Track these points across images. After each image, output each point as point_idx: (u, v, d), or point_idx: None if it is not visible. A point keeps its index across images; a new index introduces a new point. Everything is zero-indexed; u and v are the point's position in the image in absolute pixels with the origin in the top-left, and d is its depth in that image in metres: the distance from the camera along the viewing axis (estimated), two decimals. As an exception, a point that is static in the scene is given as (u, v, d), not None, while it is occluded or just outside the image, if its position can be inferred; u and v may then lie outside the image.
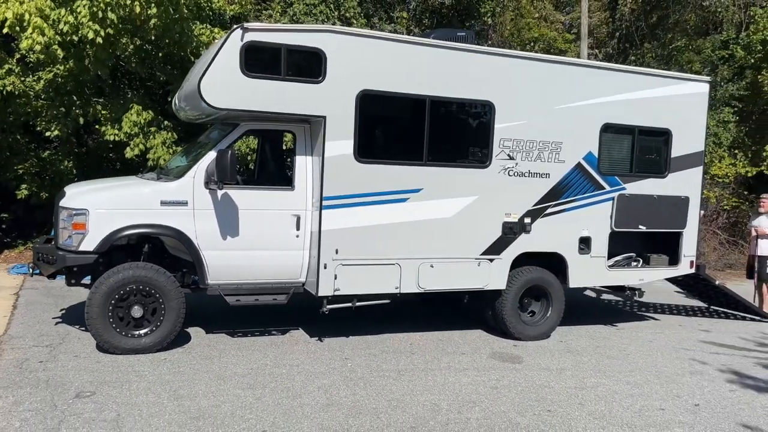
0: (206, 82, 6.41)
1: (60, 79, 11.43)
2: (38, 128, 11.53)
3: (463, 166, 7.65)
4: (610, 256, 8.57)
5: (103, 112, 11.45)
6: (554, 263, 8.26)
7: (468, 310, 8.76)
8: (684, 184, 8.93)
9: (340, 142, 6.98)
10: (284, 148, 8.75)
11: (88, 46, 10.47)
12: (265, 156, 7.94)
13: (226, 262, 6.91)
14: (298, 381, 6.13)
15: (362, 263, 7.23)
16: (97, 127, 11.59)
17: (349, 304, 7.31)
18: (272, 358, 6.79)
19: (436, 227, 7.52)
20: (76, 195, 6.67)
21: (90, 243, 6.48)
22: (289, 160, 8.57)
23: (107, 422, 4.94)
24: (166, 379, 5.97)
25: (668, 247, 9.06)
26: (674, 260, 9.05)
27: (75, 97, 11.61)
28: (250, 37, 6.51)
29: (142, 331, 6.65)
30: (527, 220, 7.96)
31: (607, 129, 8.34)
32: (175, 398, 5.52)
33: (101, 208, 6.51)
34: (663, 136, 8.74)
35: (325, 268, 7.03)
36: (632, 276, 8.85)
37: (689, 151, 8.93)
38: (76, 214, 6.47)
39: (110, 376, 5.98)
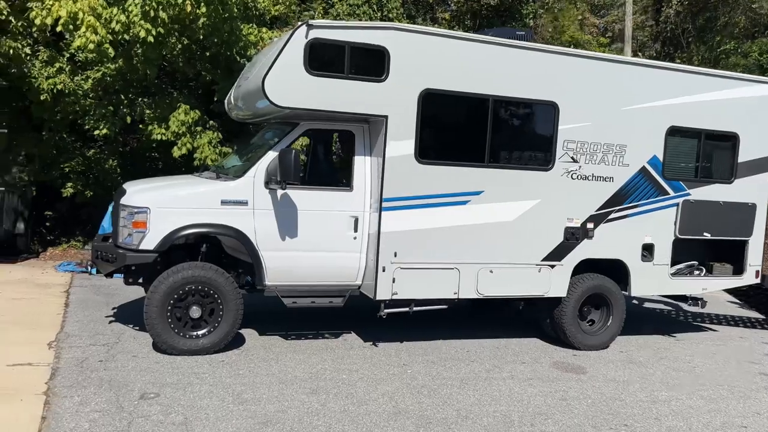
0: (270, 80, 6.28)
1: (109, 78, 11.46)
2: (86, 127, 11.55)
3: (525, 169, 7.42)
4: (672, 264, 8.26)
5: (147, 111, 11.44)
6: (616, 270, 7.98)
7: (522, 317, 8.50)
8: (751, 190, 8.58)
9: (402, 143, 6.81)
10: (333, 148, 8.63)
11: (138, 45, 10.46)
12: (323, 156, 7.79)
13: (284, 263, 6.78)
14: (361, 387, 5.96)
15: (421, 267, 7.05)
16: (141, 126, 11.56)
17: (406, 309, 7.12)
18: (330, 362, 6.63)
19: (496, 231, 7.30)
20: (137, 193, 6.59)
21: (150, 242, 6.39)
22: (339, 159, 8.45)
23: (176, 425, 4.82)
24: (227, 382, 5.83)
25: (732, 255, 8.71)
26: (739, 269, 8.70)
27: (123, 96, 11.61)
28: (315, 34, 6.37)
29: (200, 332, 6.54)
30: (590, 226, 7.70)
31: (673, 132, 8.04)
32: (240, 402, 5.38)
33: (162, 207, 6.42)
34: (730, 140, 8.41)
35: (383, 270, 6.86)
36: (695, 285, 8.52)
37: (757, 156, 8.58)
38: (137, 212, 6.38)
39: (171, 377, 5.87)
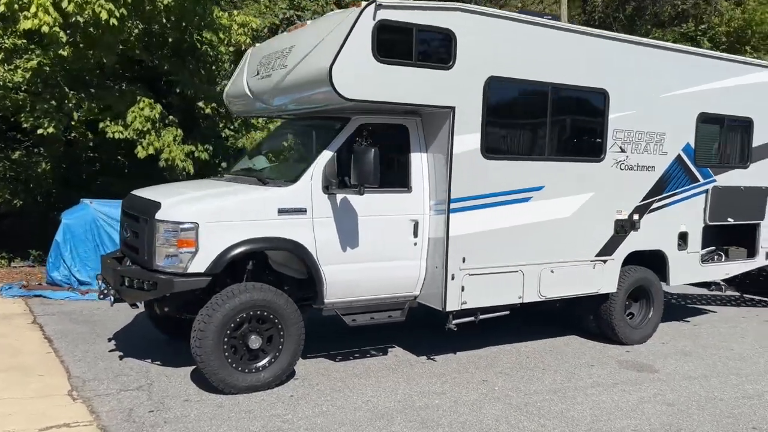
0: (338, 69, 5.41)
1: (47, 69, 9.86)
2: (25, 125, 9.89)
3: (580, 161, 7.04)
4: (696, 251, 8.22)
5: (93, 105, 9.96)
6: (655, 261, 7.81)
7: (554, 315, 8.16)
8: (763, 174, 8.73)
9: (468, 137, 6.17)
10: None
11: (92, 29, 9.03)
12: (386, 154, 6.85)
13: (345, 277, 5.96)
14: (466, 413, 5.31)
15: (489, 272, 6.48)
16: (102, 124, 10.02)
17: (472, 318, 6.53)
18: (405, 384, 5.92)
19: (556, 228, 6.87)
20: (178, 205, 5.50)
21: (201, 263, 5.36)
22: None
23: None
24: (322, 425, 4.98)
25: (744, 239, 8.83)
26: (752, 252, 8.85)
27: (68, 89, 10.04)
28: (383, 15, 5.58)
29: (260, 364, 5.60)
30: (635, 217, 7.46)
31: (703, 119, 7.96)
32: (357, 449, 4.58)
33: (213, 221, 5.39)
34: (747, 125, 8.49)
35: (452, 279, 6.22)
36: (720, 271, 8.57)
37: (762, 141, 8.73)
38: (183, 229, 5.31)
39: (252, 424, 4.92)
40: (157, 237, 5.39)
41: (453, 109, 6.03)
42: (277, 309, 5.60)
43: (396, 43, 5.71)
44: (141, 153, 9.73)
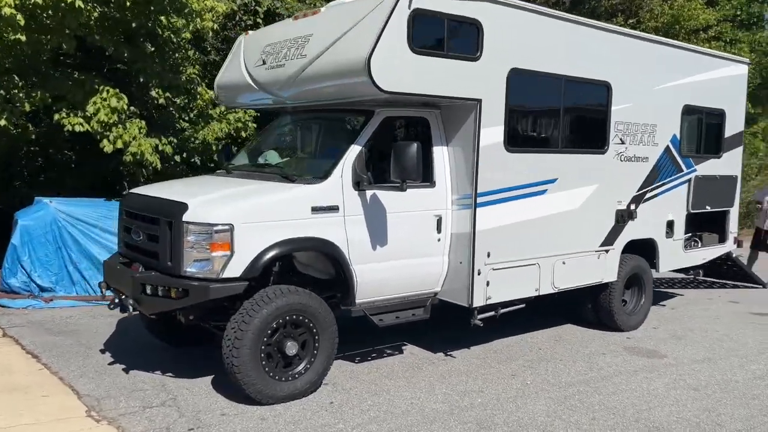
0: (377, 60, 5.16)
1: (-4, 55, 8.93)
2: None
3: (588, 152, 7.13)
4: (677, 238, 8.54)
5: (46, 95, 9.13)
6: (647, 249, 8.04)
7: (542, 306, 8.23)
8: (732, 163, 9.20)
9: (493, 129, 6.09)
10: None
11: (51, 11, 8.26)
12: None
13: (375, 277, 5.75)
14: (513, 410, 5.25)
15: (510, 266, 6.45)
16: (59, 117, 9.16)
17: (493, 313, 6.47)
18: (441, 384, 5.80)
19: (567, 220, 6.93)
20: (209, 205, 5.08)
21: (237, 267, 4.99)
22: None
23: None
24: (375, 431, 4.77)
25: (714, 225, 9.27)
26: (722, 238, 9.31)
27: (17, 78, 9.15)
28: (418, 3, 5.37)
29: (296, 371, 5.31)
30: (632, 207, 7.65)
31: (686, 111, 8.26)
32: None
33: (249, 221, 5.03)
34: (720, 116, 8.89)
35: (479, 274, 6.14)
36: (699, 256, 8.96)
37: (736, 131, 9.19)
38: (218, 231, 4.92)
39: (308, 437, 4.65)
40: (186, 240, 4.97)
41: (480, 101, 5.92)
42: (312, 312, 5.32)
43: (429, 33, 5.53)
44: (108, 147, 9.00)
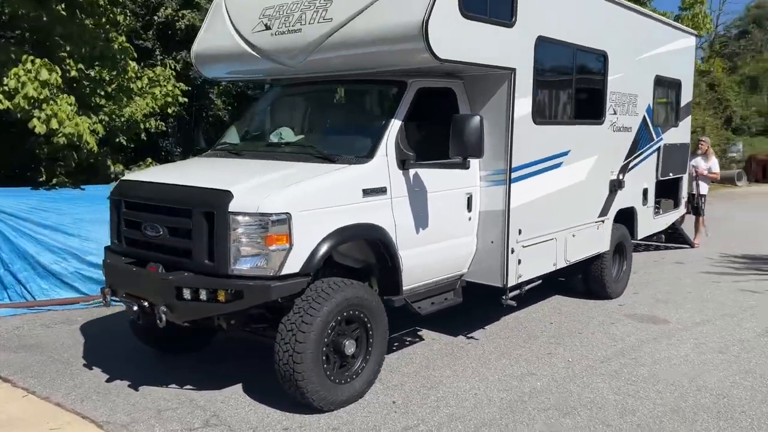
0: (434, 23, 4.68)
1: None
2: None
3: (590, 123, 7.07)
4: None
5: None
6: (627, 218, 8.21)
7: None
8: (685, 132, 9.63)
9: (523, 101, 5.83)
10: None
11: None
12: (434, 122, 6.07)
13: (417, 262, 5.33)
14: (578, 391, 5.11)
15: (536, 242, 6.28)
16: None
17: (518, 292, 6.28)
18: (486, 371, 5.53)
19: (576, 192, 6.88)
20: (258, 192, 4.37)
21: (295, 261, 4.37)
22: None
23: None
24: (466, 427, 4.42)
25: (669, 192, 9.68)
26: (677, 204, 9.77)
27: None
28: (464, -37, 4.93)
29: (352, 371, 4.81)
30: (621, 177, 7.75)
31: (657, 81, 8.48)
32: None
33: (305, 209, 4.41)
34: (678, 87, 9.24)
35: (512, 252, 5.90)
36: (663, 221, 9.34)
37: (687, 101, 9.61)
38: (274, 221, 4.26)
39: (399, 444, 4.20)
40: (236, 234, 4.27)
41: (513, 71, 5.61)
42: (368, 306, 4.83)
43: (474, -3, 5.11)
44: (39, 128, 7.72)
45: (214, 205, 4.32)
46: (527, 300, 7.38)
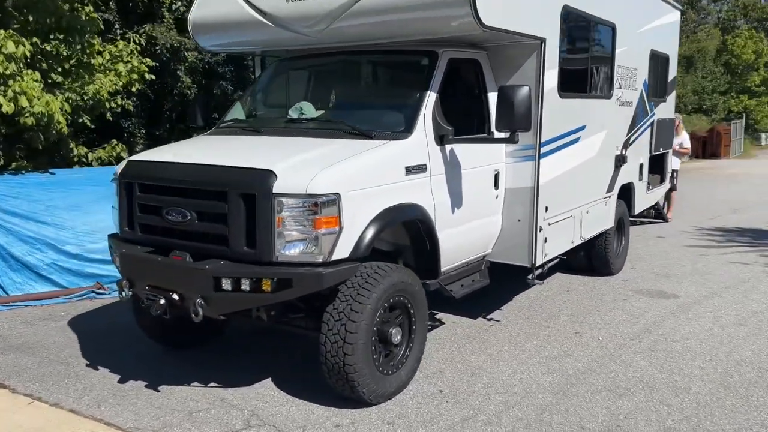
0: (482, -10, 4.37)
1: None
2: None
3: (602, 97, 6.93)
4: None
5: None
6: (626, 194, 8.17)
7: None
8: (671, 106, 9.67)
9: (551, 72, 5.62)
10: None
11: None
12: (460, 95, 5.54)
13: (452, 243, 5.06)
14: (621, 371, 4.98)
15: (559, 219, 6.12)
16: None
17: (540, 270, 6.10)
18: (520, 353, 5.34)
19: (590, 167, 6.76)
20: (304, 171, 3.97)
21: (346, 246, 4.03)
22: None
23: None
24: (526, 414, 4.21)
25: (656, 167, 9.73)
26: (663, 178, 9.84)
27: None
28: (508, -77, 4.63)
29: (397, 360, 4.53)
30: (624, 152, 7.68)
31: (651, 55, 8.43)
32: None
33: (354, 188, 4.06)
34: (667, 61, 9.24)
35: (540, 230, 5.72)
36: (653, 196, 9.39)
37: (673, 76, 9.65)
38: (323, 203, 3.89)
39: (465, 437, 3.96)
40: (281, 217, 3.88)
41: (544, 41, 5.37)
42: (411, 292, 4.53)
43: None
44: (6, 107, 6.99)
45: (255, 186, 3.91)
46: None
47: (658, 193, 9.64)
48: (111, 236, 4.89)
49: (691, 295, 7.07)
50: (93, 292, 7.16)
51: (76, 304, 6.85)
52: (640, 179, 8.43)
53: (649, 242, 10.01)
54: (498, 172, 5.57)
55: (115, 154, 10.21)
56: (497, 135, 5.22)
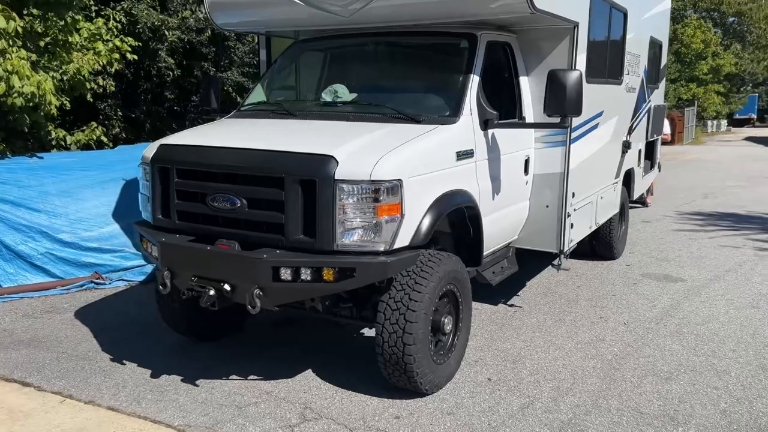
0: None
1: None
2: None
3: (615, 83, 6.95)
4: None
5: None
6: (627, 179, 8.27)
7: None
8: (662, 93, 9.83)
9: (581, 57, 5.58)
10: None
11: None
12: (494, 78, 5.44)
13: (491, 229, 5.00)
14: (655, 354, 5.04)
15: (582, 205, 6.14)
16: None
17: (563, 255, 6.11)
18: (553, 338, 5.35)
19: (605, 153, 6.80)
20: (366, 156, 3.82)
21: (407, 233, 3.92)
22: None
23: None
24: (582, 400, 4.21)
25: (647, 152, 9.89)
26: (653, 164, 10.02)
27: None
28: None
29: (446, 349, 4.46)
30: (628, 138, 7.77)
31: (650, 42, 8.53)
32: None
33: (414, 174, 3.93)
34: (661, 48, 9.37)
35: (568, 216, 5.72)
36: (647, 182, 9.54)
37: (664, 63, 9.80)
38: (387, 189, 3.76)
39: (538, 425, 3.92)
40: (342, 204, 3.73)
41: (577, 25, 5.32)
42: (460, 279, 4.45)
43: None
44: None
45: (315, 172, 3.75)
46: (538, 265, 7.21)
47: (650, 179, 9.81)
48: (139, 224, 4.64)
49: (696, 278, 7.21)
50: (92, 282, 6.84)
51: (75, 295, 6.53)
52: (639, 165, 8.55)
53: (638, 227, 10.18)
54: (528, 158, 5.53)
55: (95, 137, 9.78)
56: (529, 120, 5.20)
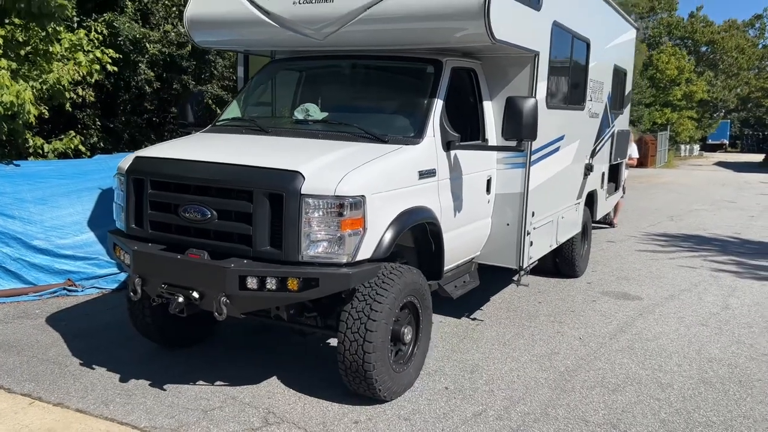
0: (495, 4, 4.58)
1: None
2: None
3: (577, 109, 7.29)
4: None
5: None
6: (589, 201, 8.61)
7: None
8: (626, 118, 10.24)
9: (542, 84, 5.90)
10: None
11: None
12: (457, 102, 5.76)
13: (451, 245, 5.24)
14: (608, 371, 5.31)
15: (542, 224, 6.42)
16: None
17: (523, 272, 6.38)
18: (516, 353, 5.58)
19: (566, 175, 7.12)
20: (332, 173, 4.05)
21: (368, 247, 4.14)
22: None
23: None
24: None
25: (611, 176, 10.27)
26: (617, 186, 10.40)
27: None
28: (518, -59, 4.86)
29: (405, 358, 4.68)
30: (591, 161, 8.11)
31: (614, 70, 8.92)
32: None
33: (377, 191, 4.17)
34: (625, 76, 9.78)
35: (528, 234, 5.99)
36: (611, 204, 9.90)
37: (629, 90, 10.22)
38: (351, 204, 3.99)
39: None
40: (308, 218, 3.96)
41: (537, 54, 5.64)
42: (420, 291, 4.69)
43: (517, -24, 5.06)
44: (-26, 95, 6.70)
45: (282, 186, 3.97)
46: (502, 281, 7.49)
47: (614, 201, 10.17)
48: (113, 232, 4.81)
49: (652, 297, 7.53)
50: (64, 289, 6.95)
51: (47, 301, 6.63)
52: (602, 187, 8.90)
53: (602, 246, 10.52)
54: (490, 178, 5.81)
55: (72, 146, 9.89)
56: (492, 142, 5.49)
